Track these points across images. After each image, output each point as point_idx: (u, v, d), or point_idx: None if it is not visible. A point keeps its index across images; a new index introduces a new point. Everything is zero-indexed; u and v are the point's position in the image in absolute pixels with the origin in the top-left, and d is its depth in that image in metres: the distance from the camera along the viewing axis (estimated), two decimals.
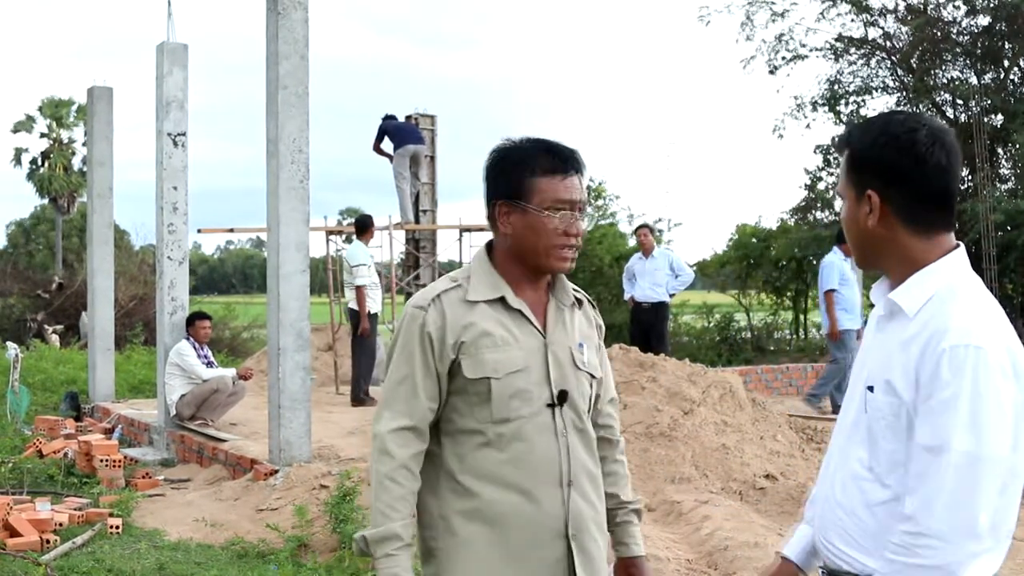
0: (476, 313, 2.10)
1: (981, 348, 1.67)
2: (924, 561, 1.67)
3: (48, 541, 5.57)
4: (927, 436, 1.69)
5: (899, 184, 1.80)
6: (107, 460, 7.28)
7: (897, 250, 1.83)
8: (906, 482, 1.74)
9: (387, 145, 12.48)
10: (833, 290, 9.07)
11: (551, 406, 2.10)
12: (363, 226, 9.99)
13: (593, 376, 2.20)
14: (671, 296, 11.04)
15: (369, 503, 2.41)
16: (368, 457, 5.85)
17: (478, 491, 2.06)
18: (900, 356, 1.76)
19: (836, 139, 2.02)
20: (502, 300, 2.12)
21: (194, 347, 8.54)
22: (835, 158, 19.83)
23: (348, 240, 11.08)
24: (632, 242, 20.73)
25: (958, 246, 1.84)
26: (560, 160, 2.13)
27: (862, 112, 19.35)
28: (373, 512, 2.08)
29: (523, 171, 2.12)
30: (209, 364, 8.62)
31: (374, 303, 9.65)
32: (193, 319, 8.71)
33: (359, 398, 9.51)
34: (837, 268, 9.16)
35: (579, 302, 2.26)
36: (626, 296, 11.12)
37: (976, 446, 1.65)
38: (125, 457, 7.72)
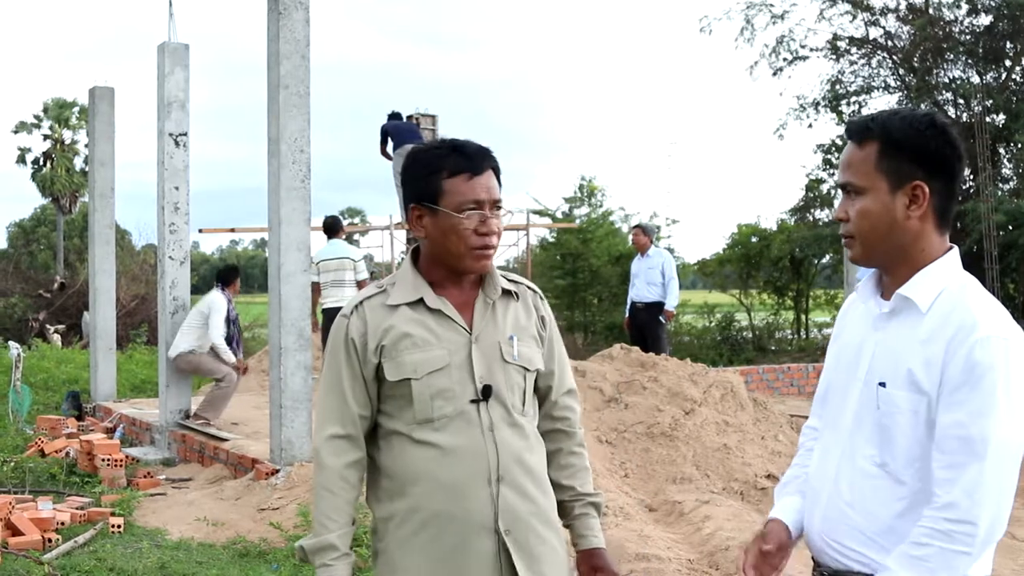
0: (396, 316, 2.12)
1: (1008, 339, 1.71)
2: (962, 548, 1.69)
3: (50, 540, 5.57)
4: (963, 426, 1.70)
5: (944, 178, 1.81)
6: (109, 459, 7.29)
7: (919, 245, 1.83)
8: (925, 475, 1.74)
9: (391, 147, 12.48)
10: None
11: (475, 402, 2.09)
12: (338, 226, 10.01)
13: (527, 369, 2.15)
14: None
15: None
16: None
17: (410, 492, 2.08)
18: (921, 351, 1.76)
19: (855, 125, 1.94)
20: (422, 301, 2.13)
21: (228, 301, 8.54)
22: (836, 157, 19.80)
23: (349, 238, 11.07)
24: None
25: (952, 247, 1.87)
26: (469, 160, 2.12)
27: (863, 112, 19.31)
28: (313, 522, 2.13)
29: (434, 174, 2.13)
30: (233, 322, 8.60)
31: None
32: (235, 273, 8.87)
33: None
34: None
35: (514, 294, 2.21)
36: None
37: (1013, 435, 1.69)
38: (127, 456, 7.72)
